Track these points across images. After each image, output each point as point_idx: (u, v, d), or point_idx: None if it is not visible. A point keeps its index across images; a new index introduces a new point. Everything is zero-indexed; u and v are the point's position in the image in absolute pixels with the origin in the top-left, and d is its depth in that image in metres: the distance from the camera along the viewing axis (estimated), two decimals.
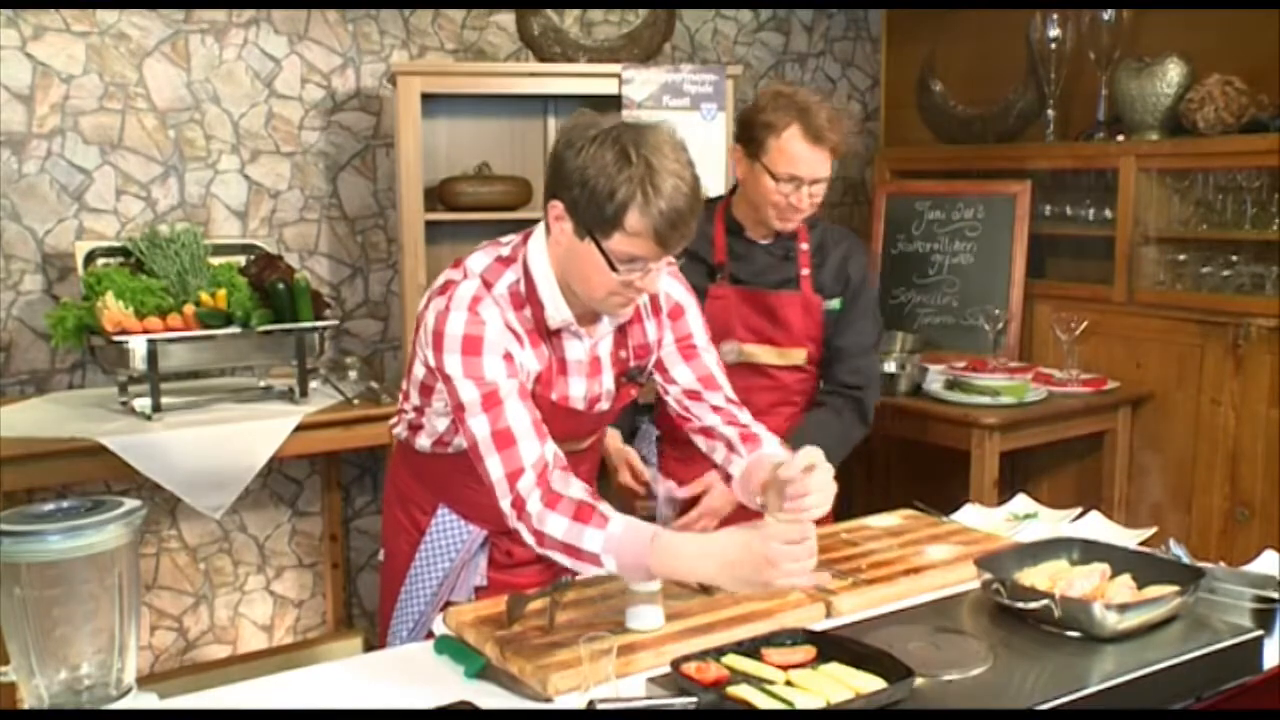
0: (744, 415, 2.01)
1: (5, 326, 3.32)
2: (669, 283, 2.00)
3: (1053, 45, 3.81)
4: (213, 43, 3.52)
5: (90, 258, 3.19)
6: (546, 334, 1.86)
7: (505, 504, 1.72)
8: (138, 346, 2.95)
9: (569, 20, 3.96)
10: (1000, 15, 4.03)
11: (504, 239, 1.91)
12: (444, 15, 3.85)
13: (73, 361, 3.42)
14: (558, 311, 1.84)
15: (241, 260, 3.34)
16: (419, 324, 1.87)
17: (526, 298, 1.83)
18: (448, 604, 2.01)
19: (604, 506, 1.68)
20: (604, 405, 1.95)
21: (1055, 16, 3.80)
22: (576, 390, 1.91)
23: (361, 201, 3.80)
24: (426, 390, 1.92)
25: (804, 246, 2.57)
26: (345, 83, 3.73)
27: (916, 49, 4.34)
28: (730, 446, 1.97)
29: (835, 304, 2.58)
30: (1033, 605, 1.69)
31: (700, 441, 2.05)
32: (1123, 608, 1.66)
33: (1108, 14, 3.65)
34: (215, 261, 3.28)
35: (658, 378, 2.05)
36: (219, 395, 3.26)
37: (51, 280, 3.37)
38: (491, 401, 1.74)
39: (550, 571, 1.99)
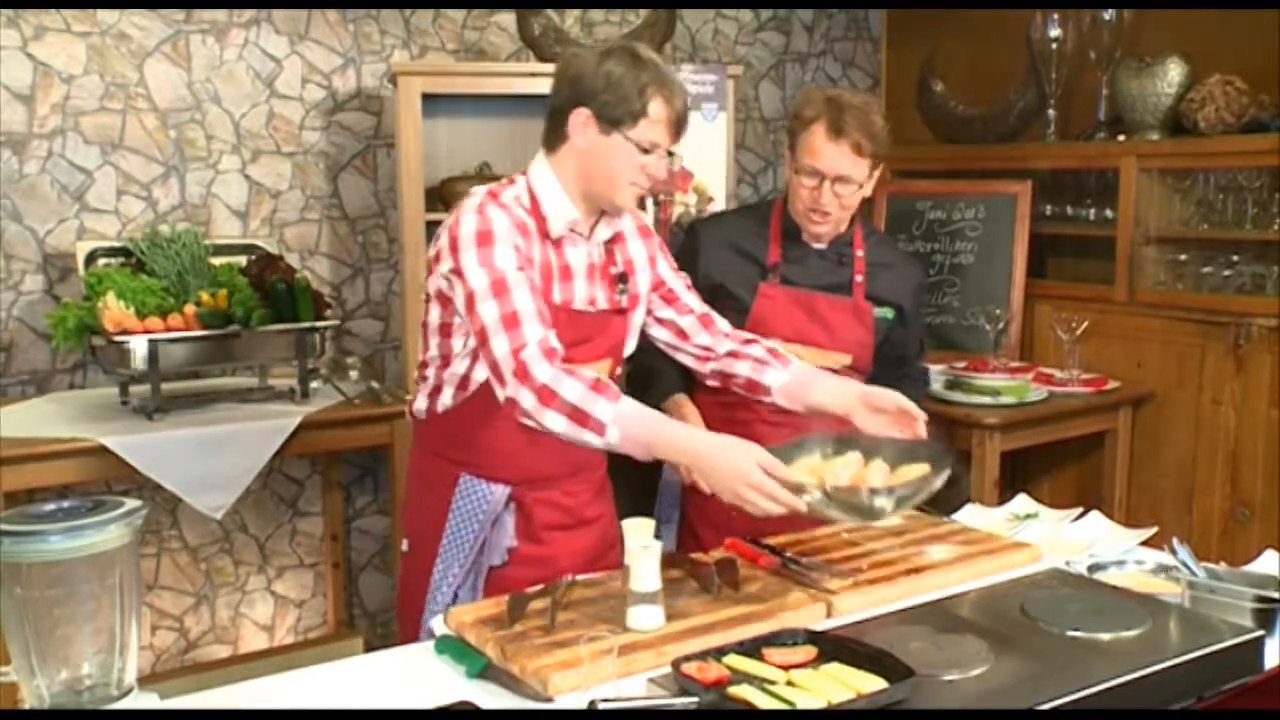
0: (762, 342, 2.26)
1: (6, 327, 3.33)
2: (647, 220, 2.31)
3: (1053, 45, 3.81)
4: (213, 43, 3.52)
5: (91, 258, 3.19)
6: (549, 243, 2.05)
7: (507, 372, 1.87)
8: (138, 346, 2.95)
9: (570, 20, 3.96)
10: (1000, 15, 4.03)
11: None
12: (445, 15, 3.85)
13: (74, 361, 3.43)
14: (561, 215, 2.04)
15: (242, 260, 3.35)
16: (434, 260, 2.03)
17: (530, 210, 2.03)
18: (489, 570, 2.11)
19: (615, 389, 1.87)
20: (603, 305, 2.13)
21: (1055, 16, 3.80)
22: (580, 293, 2.09)
23: (362, 201, 3.80)
24: (446, 330, 2.05)
25: (859, 253, 2.54)
26: (346, 83, 3.73)
27: (917, 49, 4.34)
28: (761, 360, 2.18)
29: (887, 313, 2.56)
30: (806, 499, 1.76)
31: (724, 365, 2.22)
32: (889, 490, 1.77)
33: (1108, 14, 3.65)
34: (216, 261, 3.29)
35: (669, 314, 2.24)
36: (219, 395, 3.26)
37: (52, 280, 3.37)
38: (500, 288, 1.91)
39: (572, 535, 2.16)
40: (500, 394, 1.90)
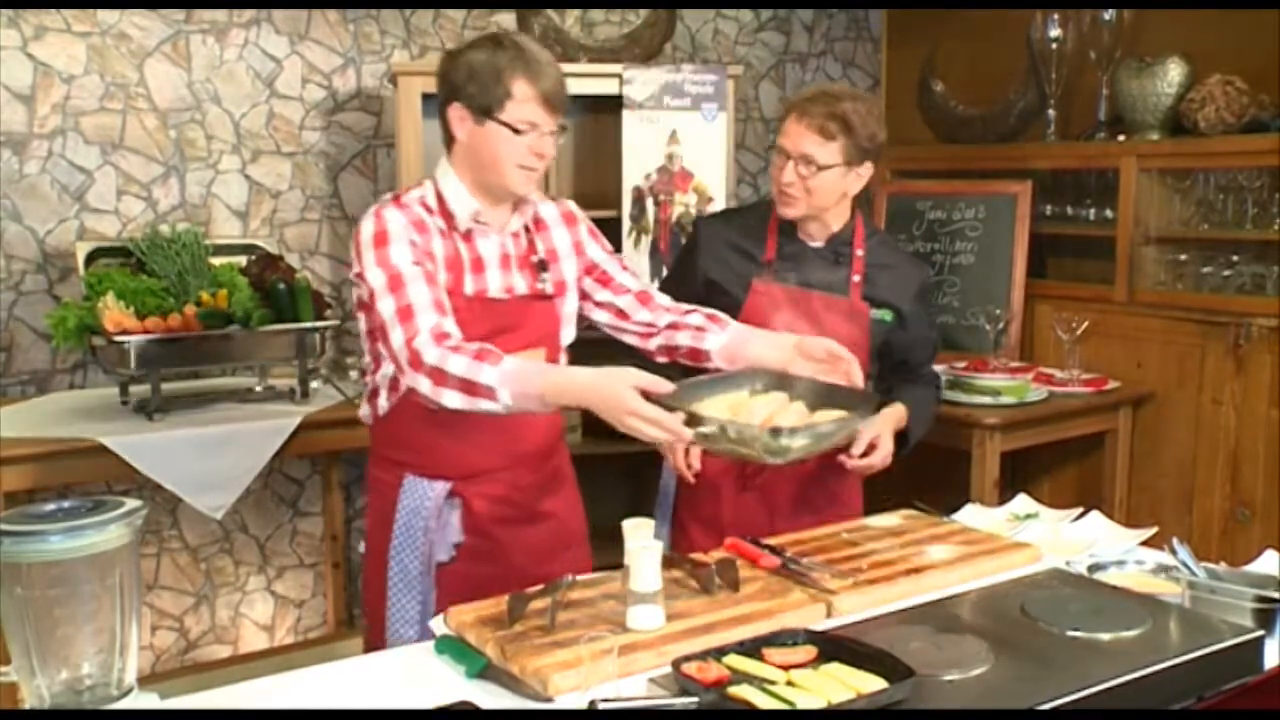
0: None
1: (6, 326, 3.33)
2: (575, 206, 2.31)
3: (1053, 45, 3.81)
4: (213, 43, 3.52)
5: (91, 258, 3.19)
6: (458, 237, 2.10)
7: (404, 363, 1.93)
8: (138, 346, 2.95)
9: (570, 20, 3.96)
10: (1000, 15, 4.03)
11: None
12: (445, 15, 3.85)
13: (74, 361, 3.43)
14: (464, 209, 2.09)
15: (242, 260, 3.35)
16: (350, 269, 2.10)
17: (437, 208, 2.10)
18: (438, 566, 2.14)
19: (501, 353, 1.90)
20: (522, 292, 2.15)
21: (1056, 16, 3.80)
22: (493, 282, 2.13)
23: (362, 201, 3.80)
24: (373, 335, 2.09)
25: (859, 253, 2.54)
26: (346, 83, 3.73)
27: (917, 49, 4.34)
28: (700, 328, 2.18)
29: (885, 315, 2.56)
30: (701, 430, 1.79)
31: (666, 338, 2.21)
32: (792, 430, 1.79)
33: (1108, 14, 3.65)
34: (216, 262, 3.29)
35: (606, 295, 2.24)
36: (220, 395, 3.26)
37: (53, 280, 3.37)
38: (396, 284, 1.97)
39: (522, 530, 2.17)
40: (405, 385, 1.95)
